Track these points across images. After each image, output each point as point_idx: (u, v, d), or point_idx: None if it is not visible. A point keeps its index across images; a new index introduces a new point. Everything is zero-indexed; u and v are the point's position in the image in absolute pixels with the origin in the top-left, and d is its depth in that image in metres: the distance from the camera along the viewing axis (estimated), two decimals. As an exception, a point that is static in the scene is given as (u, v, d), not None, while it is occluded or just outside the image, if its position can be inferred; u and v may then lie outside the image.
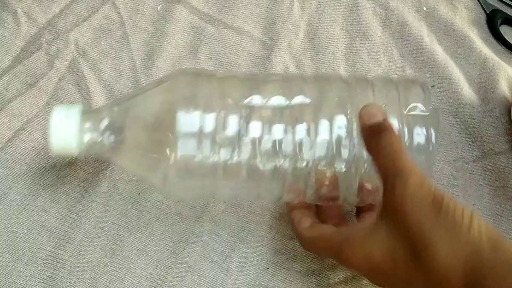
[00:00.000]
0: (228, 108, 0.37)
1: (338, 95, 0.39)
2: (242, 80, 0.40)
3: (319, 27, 0.53)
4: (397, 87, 0.39)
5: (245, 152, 0.37)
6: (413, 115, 0.38)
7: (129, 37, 0.51)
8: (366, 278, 0.42)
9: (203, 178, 0.38)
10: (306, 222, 0.39)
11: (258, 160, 0.37)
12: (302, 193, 0.39)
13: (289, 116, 0.37)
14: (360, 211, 0.41)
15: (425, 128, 0.37)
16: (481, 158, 0.48)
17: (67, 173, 0.45)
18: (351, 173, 0.38)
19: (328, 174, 0.37)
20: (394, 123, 0.37)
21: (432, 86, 0.51)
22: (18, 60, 0.49)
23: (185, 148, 0.36)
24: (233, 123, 0.37)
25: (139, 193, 0.44)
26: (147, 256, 0.43)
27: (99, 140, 0.38)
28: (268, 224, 0.44)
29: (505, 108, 0.50)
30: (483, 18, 0.55)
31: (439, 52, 0.52)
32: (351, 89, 0.39)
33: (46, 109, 0.47)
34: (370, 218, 0.35)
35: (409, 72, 0.51)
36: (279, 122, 0.37)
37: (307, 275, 0.43)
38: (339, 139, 0.37)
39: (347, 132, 0.37)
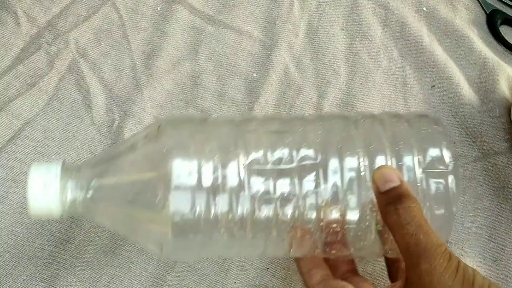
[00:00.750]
0: (227, 159, 0.34)
1: (341, 142, 0.35)
2: (239, 131, 0.37)
3: (319, 27, 0.53)
4: (412, 137, 0.36)
5: (246, 205, 0.34)
6: (430, 173, 0.34)
7: (129, 37, 0.51)
8: (366, 279, 0.42)
9: (202, 236, 0.34)
10: (316, 275, 0.36)
11: (260, 212, 0.34)
12: (310, 246, 0.36)
13: (293, 167, 0.35)
14: (391, 271, 0.39)
15: (444, 182, 0.34)
16: (481, 158, 0.48)
17: (67, 173, 0.45)
18: (365, 221, 0.34)
19: (335, 224, 0.34)
20: (411, 183, 0.34)
21: (432, 86, 0.51)
22: (18, 60, 0.49)
23: (180, 203, 0.33)
24: (233, 175, 0.34)
25: (139, 193, 0.44)
26: (147, 256, 0.43)
27: (82, 200, 0.34)
28: (268, 224, 0.44)
29: (505, 108, 0.50)
30: (483, 18, 0.55)
31: (439, 52, 0.52)
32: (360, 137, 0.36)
33: (46, 109, 0.47)
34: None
35: (409, 72, 0.51)
36: (283, 175, 0.34)
37: (307, 275, 0.43)
38: (348, 185, 0.34)
39: (356, 177, 0.34)
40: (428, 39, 0.53)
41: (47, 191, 0.33)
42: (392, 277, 0.38)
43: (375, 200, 0.33)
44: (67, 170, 0.34)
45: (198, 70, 0.50)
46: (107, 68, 0.49)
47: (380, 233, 0.35)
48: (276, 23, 0.52)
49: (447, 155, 0.35)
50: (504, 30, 0.55)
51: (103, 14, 0.51)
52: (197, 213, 0.33)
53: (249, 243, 0.36)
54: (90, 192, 0.34)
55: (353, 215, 0.34)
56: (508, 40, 0.54)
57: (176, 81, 0.49)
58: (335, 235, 0.35)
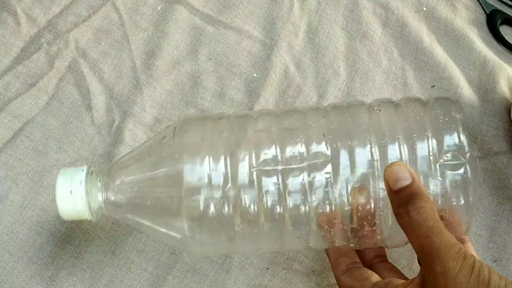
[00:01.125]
0: (238, 160, 0.35)
1: (362, 129, 0.36)
2: (251, 130, 0.37)
3: (319, 27, 0.53)
4: (427, 128, 0.35)
5: (258, 203, 0.35)
6: (446, 164, 0.34)
7: (129, 37, 0.51)
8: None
9: (219, 234, 0.36)
10: (342, 264, 0.37)
11: (272, 211, 0.35)
12: (335, 236, 0.36)
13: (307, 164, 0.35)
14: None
15: (461, 172, 0.34)
16: (481, 158, 0.48)
17: (67, 173, 0.45)
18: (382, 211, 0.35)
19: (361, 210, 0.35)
20: (426, 174, 0.33)
21: (432, 86, 0.51)
22: (18, 60, 0.49)
23: (194, 206, 0.35)
24: (244, 176, 0.35)
25: (139, 193, 0.44)
26: (147, 256, 0.43)
27: (106, 204, 0.37)
28: (268, 224, 0.44)
29: (505, 108, 0.50)
30: (483, 18, 0.55)
31: (439, 52, 0.52)
32: (375, 127, 0.36)
33: (46, 109, 0.47)
34: (409, 286, 0.32)
35: (409, 72, 0.51)
36: (294, 173, 0.35)
37: (307, 275, 0.43)
38: (361, 180, 0.34)
39: (369, 172, 0.34)
40: (428, 39, 0.53)
41: (73, 198, 0.36)
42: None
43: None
44: (93, 176, 0.37)
45: (198, 70, 0.50)
46: (107, 68, 0.49)
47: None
48: (276, 23, 0.52)
49: (463, 145, 0.34)
50: (504, 30, 0.54)
51: (103, 14, 0.51)
52: (211, 214, 0.35)
53: (265, 239, 0.36)
54: (112, 198, 0.36)
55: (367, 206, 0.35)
56: (508, 40, 0.54)
57: (176, 81, 0.49)
58: (363, 224, 0.35)
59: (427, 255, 0.30)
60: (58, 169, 0.44)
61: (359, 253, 0.38)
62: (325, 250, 0.38)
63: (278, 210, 0.35)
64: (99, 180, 0.37)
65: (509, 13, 0.55)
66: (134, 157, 0.37)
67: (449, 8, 0.55)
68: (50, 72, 0.48)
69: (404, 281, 0.33)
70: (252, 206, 0.35)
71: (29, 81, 0.48)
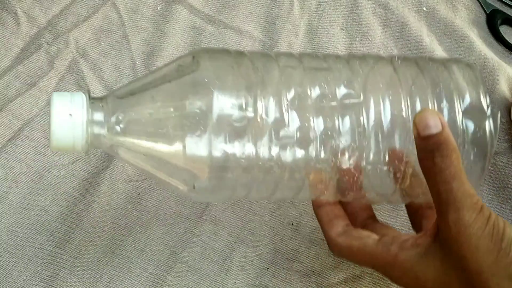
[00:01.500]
0: (268, 94, 0.33)
1: (382, 82, 0.35)
2: (279, 67, 0.35)
3: (319, 27, 0.53)
4: (451, 80, 0.35)
5: (288, 142, 0.32)
6: (469, 116, 0.34)
7: (129, 37, 0.51)
8: (365, 279, 0.42)
9: (239, 174, 0.33)
10: (337, 225, 0.35)
11: (300, 151, 0.33)
12: (325, 186, 0.35)
13: (330, 107, 0.34)
14: (414, 219, 0.38)
15: (482, 127, 0.34)
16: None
17: (67, 173, 0.45)
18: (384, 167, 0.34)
19: (351, 165, 0.34)
20: (451, 126, 0.33)
21: (432, 86, 0.51)
22: (18, 60, 0.49)
23: (221, 137, 0.31)
24: (274, 110, 0.32)
25: (139, 193, 0.44)
26: (147, 256, 0.43)
27: (110, 133, 0.32)
28: (268, 224, 0.44)
29: (505, 108, 0.50)
30: (483, 18, 0.55)
31: (439, 52, 0.52)
32: (397, 76, 0.36)
33: (46, 109, 0.47)
34: (422, 239, 0.32)
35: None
36: (324, 112, 0.33)
37: (307, 275, 0.43)
38: (390, 126, 0.34)
39: (398, 118, 0.34)
40: (428, 39, 0.53)
41: (73, 122, 0.30)
42: (416, 226, 0.38)
43: (406, 147, 0.33)
44: (93, 101, 0.32)
45: (198, 70, 0.50)
46: (107, 68, 0.49)
47: (399, 180, 0.34)
48: (276, 23, 0.52)
49: (485, 99, 0.34)
50: (504, 30, 0.55)
51: (103, 14, 0.51)
52: (237, 148, 0.32)
53: (285, 183, 0.34)
54: (121, 125, 0.32)
55: (388, 159, 0.34)
56: (508, 40, 0.54)
57: (176, 81, 0.49)
58: (364, 177, 0.34)
59: (443, 202, 0.30)
60: (58, 169, 0.45)
61: (350, 217, 0.37)
62: (316, 212, 0.37)
63: (305, 153, 0.33)
64: (102, 106, 0.32)
65: (509, 13, 0.55)
66: (145, 84, 0.33)
67: (449, 8, 0.55)
68: (50, 72, 0.48)
69: (412, 235, 0.33)
70: (280, 146, 0.33)
71: (29, 81, 0.48)
